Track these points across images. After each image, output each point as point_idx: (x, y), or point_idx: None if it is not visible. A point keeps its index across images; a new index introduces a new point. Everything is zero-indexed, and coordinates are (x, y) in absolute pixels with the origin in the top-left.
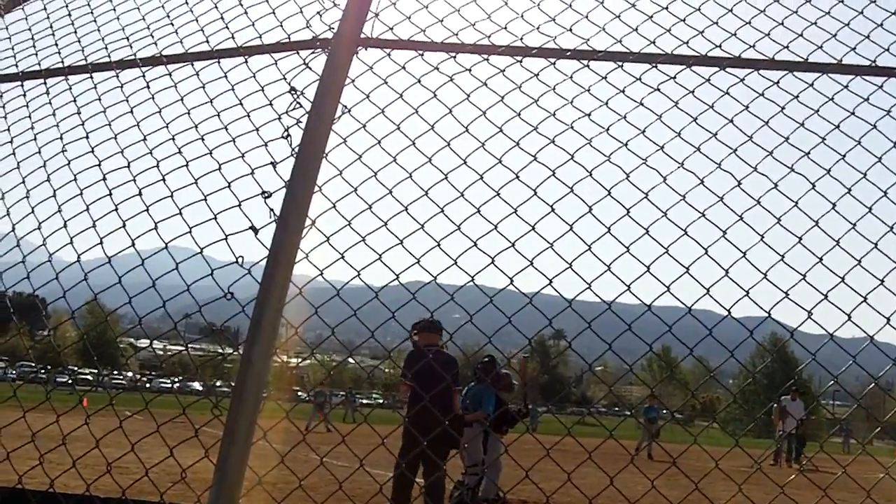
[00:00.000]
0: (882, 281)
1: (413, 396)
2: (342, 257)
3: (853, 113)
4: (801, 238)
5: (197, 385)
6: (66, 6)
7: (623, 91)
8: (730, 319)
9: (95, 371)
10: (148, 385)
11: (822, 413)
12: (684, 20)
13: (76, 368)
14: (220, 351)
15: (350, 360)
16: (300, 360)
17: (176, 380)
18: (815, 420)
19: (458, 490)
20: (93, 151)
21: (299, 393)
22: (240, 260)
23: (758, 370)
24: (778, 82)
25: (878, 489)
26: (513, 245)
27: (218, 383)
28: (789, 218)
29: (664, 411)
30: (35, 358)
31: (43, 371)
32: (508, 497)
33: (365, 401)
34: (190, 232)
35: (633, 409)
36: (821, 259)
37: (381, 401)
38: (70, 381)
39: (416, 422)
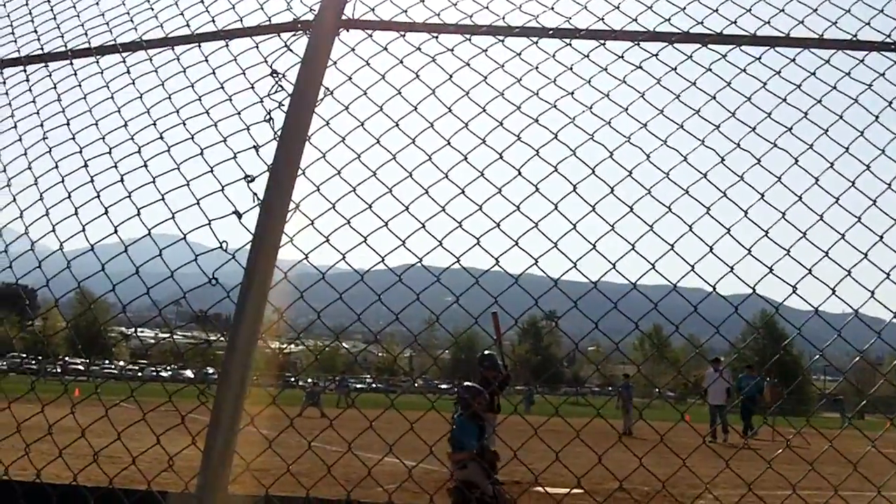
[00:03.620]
0: (865, 255)
1: None
2: (327, 241)
3: (834, 87)
4: (784, 213)
5: (189, 373)
6: None
7: (605, 69)
8: (722, 297)
9: (86, 361)
10: (140, 374)
11: (811, 389)
12: None
13: (67, 358)
14: (207, 338)
15: (343, 344)
16: (287, 345)
17: (167, 368)
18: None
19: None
20: (73, 138)
21: (292, 379)
22: (224, 245)
23: (742, 347)
24: (760, 58)
25: (870, 463)
26: (497, 225)
27: (210, 370)
28: (773, 193)
29: (656, 390)
30: (25, 348)
31: (33, 361)
32: (502, 479)
33: (358, 385)
34: (173, 218)
35: (619, 389)
36: (804, 234)
37: (374, 385)
38: (59, 371)
39: None
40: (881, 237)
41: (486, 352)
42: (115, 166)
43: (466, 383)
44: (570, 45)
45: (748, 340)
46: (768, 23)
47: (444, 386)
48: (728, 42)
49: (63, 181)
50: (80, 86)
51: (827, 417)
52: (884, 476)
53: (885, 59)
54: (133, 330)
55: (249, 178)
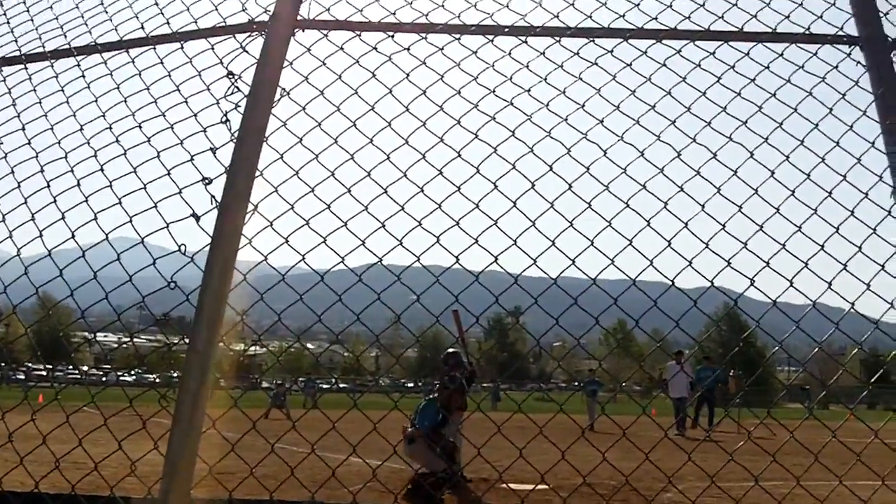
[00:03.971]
0: (822, 246)
1: None
2: (286, 242)
3: (789, 80)
4: (740, 206)
5: (154, 377)
6: None
7: (561, 66)
8: (680, 290)
9: (50, 367)
10: (104, 378)
11: (775, 381)
12: None
13: (30, 364)
14: (167, 341)
15: (308, 345)
16: (248, 347)
17: (131, 372)
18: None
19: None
20: (29, 143)
21: (255, 379)
22: (182, 248)
23: (702, 339)
24: (714, 53)
25: (833, 453)
26: (457, 223)
27: (174, 374)
28: (729, 187)
29: (622, 385)
30: None
31: None
32: (470, 476)
33: (325, 385)
34: (130, 221)
35: (583, 384)
36: (761, 227)
37: (342, 385)
38: (23, 378)
39: None
40: (837, 228)
41: (450, 350)
42: (72, 171)
43: (454, 373)
44: (525, 42)
45: (708, 332)
46: (722, 17)
47: (409, 384)
48: (682, 37)
49: (19, 186)
50: (34, 90)
51: (790, 408)
52: (846, 465)
53: (838, 52)
54: (93, 335)
55: (207, 181)
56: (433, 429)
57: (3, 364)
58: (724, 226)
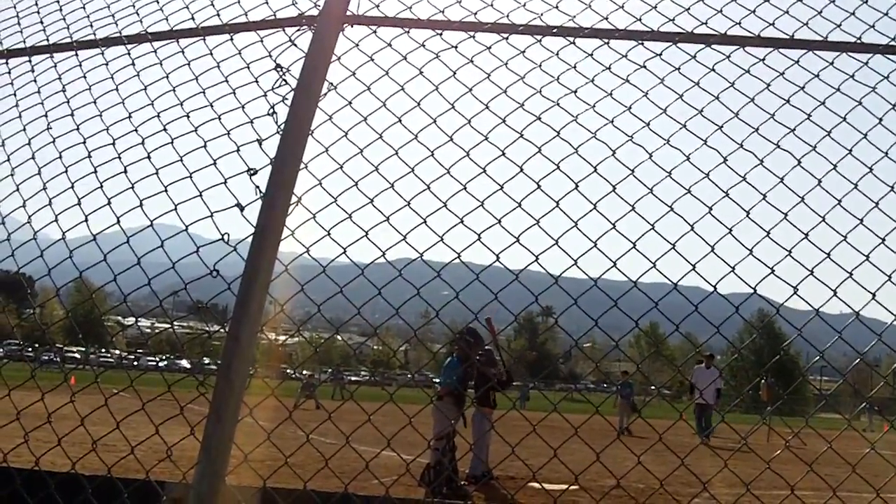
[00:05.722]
0: (867, 257)
1: None
2: (328, 234)
3: (838, 89)
4: (786, 214)
5: (185, 363)
6: None
7: (609, 68)
8: (718, 296)
9: (83, 349)
10: (136, 363)
11: (808, 388)
12: None
13: (63, 347)
14: (206, 329)
15: (338, 337)
16: (287, 337)
17: (163, 357)
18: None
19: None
20: (78, 129)
21: (287, 370)
22: (225, 237)
23: (743, 346)
24: (764, 59)
25: (867, 464)
26: (499, 222)
27: (206, 361)
28: (775, 194)
29: (652, 387)
30: (22, 336)
31: (30, 349)
32: (497, 473)
33: (353, 378)
34: (175, 209)
35: (617, 387)
36: (806, 235)
37: (368, 377)
38: (56, 360)
39: None
40: (883, 239)
41: (471, 327)
42: (119, 157)
43: (469, 327)
44: (574, 43)
45: (747, 340)
46: (772, 24)
47: (437, 380)
48: (732, 43)
49: (66, 171)
50: (84, 77)
51: (822, 418)
52: (880, 476)
53: (889, 62)
54: (135, 320)
55: (252, 171)
56: (457, 387)
57: (37, 345)
58: (768, 233)
